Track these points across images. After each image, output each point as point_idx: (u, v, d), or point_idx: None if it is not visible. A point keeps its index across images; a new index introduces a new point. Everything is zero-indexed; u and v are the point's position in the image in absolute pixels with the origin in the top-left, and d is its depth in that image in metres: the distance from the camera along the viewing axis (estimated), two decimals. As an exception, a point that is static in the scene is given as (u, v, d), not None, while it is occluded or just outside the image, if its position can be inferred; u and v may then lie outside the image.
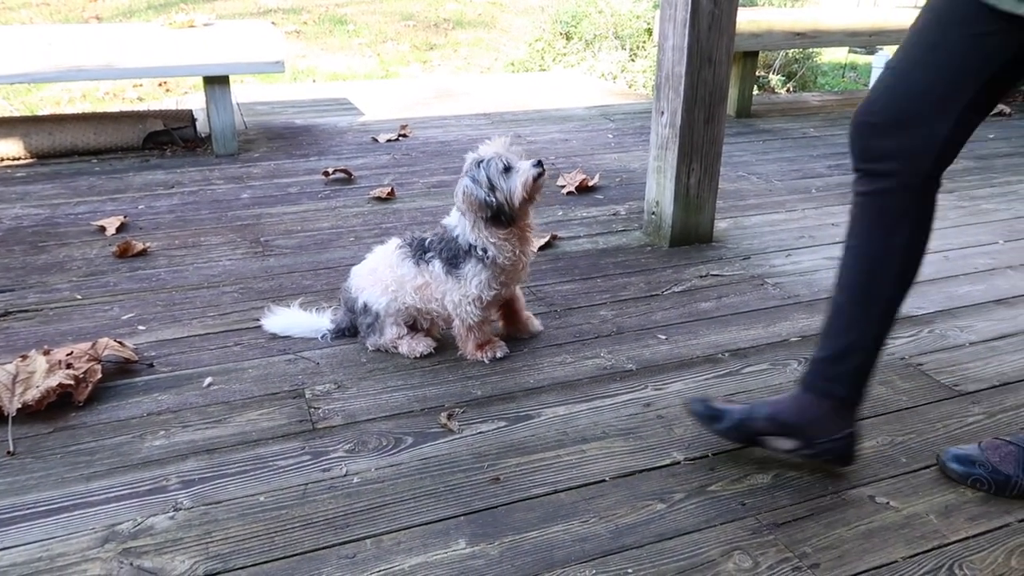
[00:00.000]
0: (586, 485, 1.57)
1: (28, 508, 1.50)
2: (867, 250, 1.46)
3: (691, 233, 2.77)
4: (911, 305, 2.34)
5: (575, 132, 4.38)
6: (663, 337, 2.15)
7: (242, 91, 5.49)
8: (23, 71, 3.55)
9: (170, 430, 1.73)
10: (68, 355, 1.90)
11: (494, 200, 1.86)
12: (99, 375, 1.87)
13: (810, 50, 6.76)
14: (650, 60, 6.76)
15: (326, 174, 3.53)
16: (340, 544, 1.41)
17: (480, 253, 1.92)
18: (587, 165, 3.69)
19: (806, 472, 1.62)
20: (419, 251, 1.99)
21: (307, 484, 1.57)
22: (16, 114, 5.32)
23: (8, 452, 1.65)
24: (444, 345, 2.09)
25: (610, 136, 4.31)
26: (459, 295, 1.95)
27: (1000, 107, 4.88)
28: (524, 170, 1.87)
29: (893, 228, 1.43)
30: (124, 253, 2.65)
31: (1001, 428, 1.76)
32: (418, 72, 7.32)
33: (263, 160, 3.79)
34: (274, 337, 2.13)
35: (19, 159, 3.70)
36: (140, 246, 2.69)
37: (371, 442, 1.70)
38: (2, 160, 3.69)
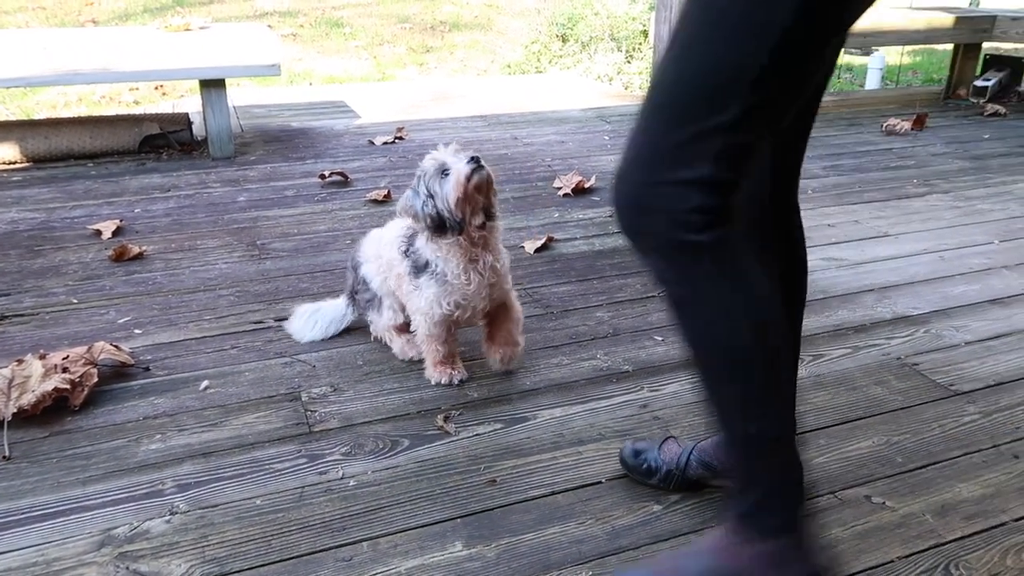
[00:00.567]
0: (582, 487, 1.57)
1: (24, 513, 1.49)
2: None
3: (687, 234, 2.76)
4: (907, 305, 2.35)
5: (571, 134, 4.39)
6: (659, 338, 2.16)
7: (238, 94, 5.49)
8: (19, 75, 3.55)
9: (166, 434, 1.73)
10: (64, 359, 1.89)
11: (433, 209, 1.73)
12: (95, 379, 1.87)
13: (806, 51, 6.76)
14: (646, 62, 6.77)
15: (322, 177, 3.53)
16: (337, 547, 1.41)
17: (432, 267, 1.82)
18: (583, 167, 3.69)
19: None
20: (410, 242, 1.89)
21: (303, 487, 1.57)
22: (12, 118, 5.31)
23: (4, 456, 1.65)
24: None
25: (606, 138, 4.32)
26: (414, 304, 1.88)
27: (996, 107, 4.90)
28: (456, 169, 1.72)
29: None
30: (120, 257, 2.65)
31: (996, 427, 1.77)
32: (414, 75, 7.32)
33: (259, 163, 3.79)
34: (271, 340, 2.13)
35: (15, 163, 3.70)
36: (136, 250, 2.69)
37: (367, 445, 1.70)
38: (-2, 164, 3.68)
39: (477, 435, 1.74)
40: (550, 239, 2.84)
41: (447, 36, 8.59)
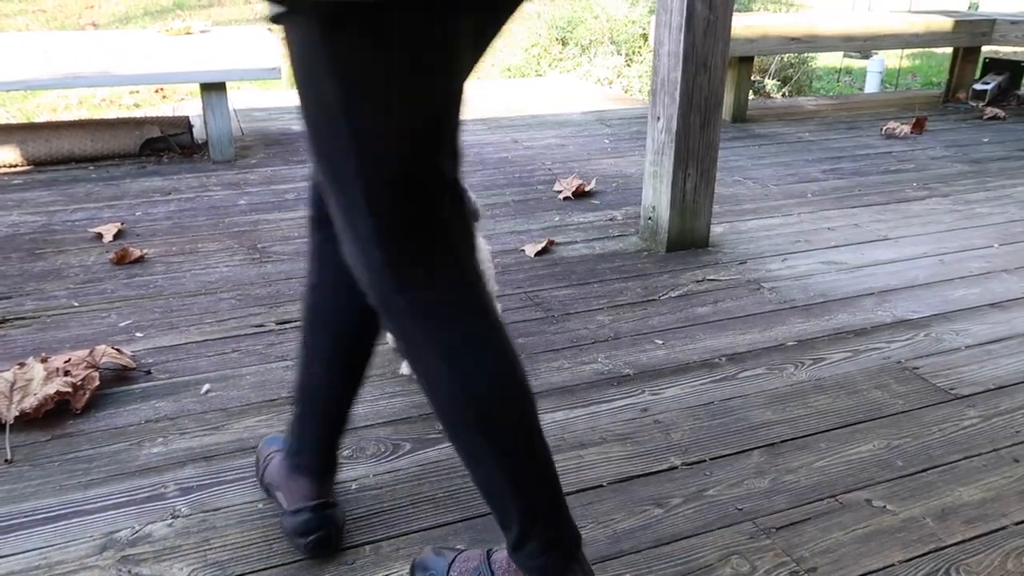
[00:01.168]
0: (584, 490, 1.58)
1: (26, 516, 1.50)
2: None
3: (687, 238, 2.78)
4: (907, 308, 2.35)
5: (571, 137, 4.39)
6: (660, 342, 2.16)
7: (239, 97, 5.50)
8: (19, 78, 3.55)
9: (168, 437, 1.74)
10: (66, 362, 1.90)
11: None
12: (97, 382, 1.87)
13: (805, 55, 6.79)
14: (646, 65, 6.78)
15: (323, 180, 3.52)
16: (338, 551, 1.41)
17: None
18: (583, 170, 3.70)
19: (803, 477, 1.62)
20: None
21: (305, 491, 1.57)
22: (13, 121, 5.32)
23: (5, 460, 1.65)
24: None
25: (606, 141, 4.33)
26: None
27: (995, 111, 4.91)
28: None
29: None
30: (121, 260, 2.65)
31: (996, 431, 1.77)
32: (414, 78, 7.32)
33: (260, 166, 3.79)
34: (273, 343, 2.13)
35: (16, 166, 3.70)
36: (137, 253, 2.69)
37: (369, 448, 1.70)
38: (-1, 167, 3.69)
39: (478, 439, 1.74)
40: (551, 243, 2.84)
41: (447, 39, 8.60)
